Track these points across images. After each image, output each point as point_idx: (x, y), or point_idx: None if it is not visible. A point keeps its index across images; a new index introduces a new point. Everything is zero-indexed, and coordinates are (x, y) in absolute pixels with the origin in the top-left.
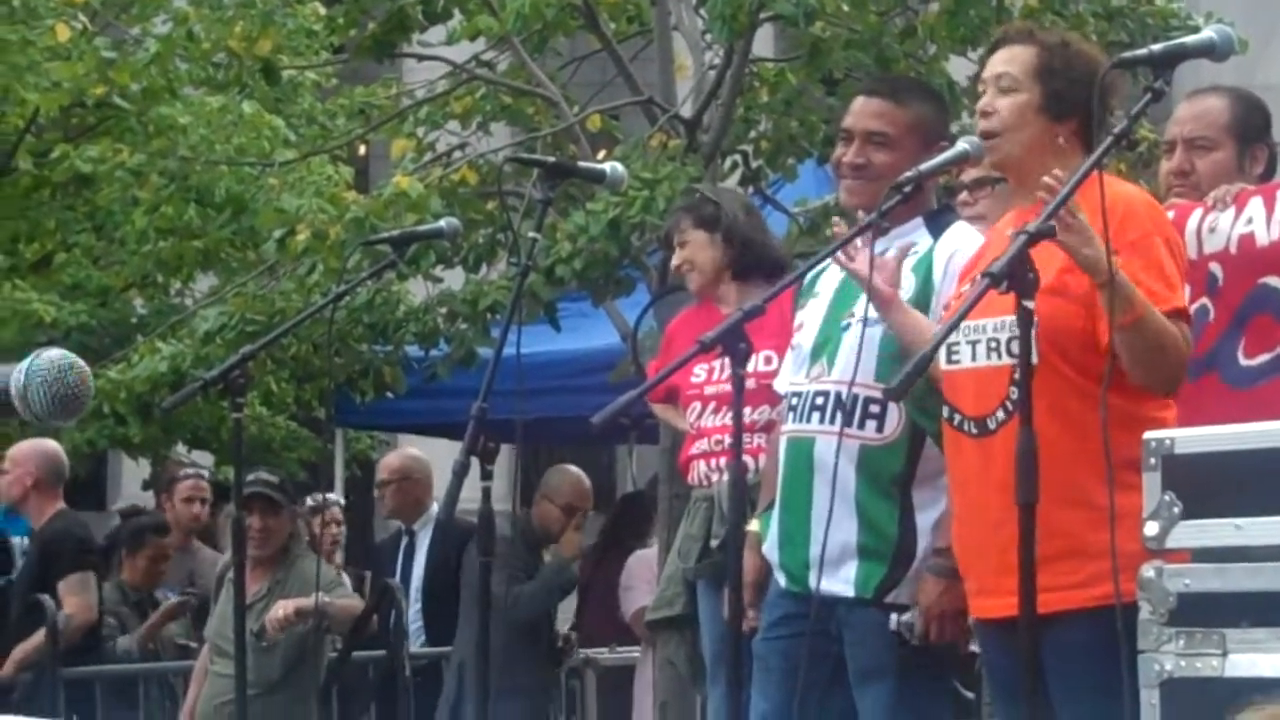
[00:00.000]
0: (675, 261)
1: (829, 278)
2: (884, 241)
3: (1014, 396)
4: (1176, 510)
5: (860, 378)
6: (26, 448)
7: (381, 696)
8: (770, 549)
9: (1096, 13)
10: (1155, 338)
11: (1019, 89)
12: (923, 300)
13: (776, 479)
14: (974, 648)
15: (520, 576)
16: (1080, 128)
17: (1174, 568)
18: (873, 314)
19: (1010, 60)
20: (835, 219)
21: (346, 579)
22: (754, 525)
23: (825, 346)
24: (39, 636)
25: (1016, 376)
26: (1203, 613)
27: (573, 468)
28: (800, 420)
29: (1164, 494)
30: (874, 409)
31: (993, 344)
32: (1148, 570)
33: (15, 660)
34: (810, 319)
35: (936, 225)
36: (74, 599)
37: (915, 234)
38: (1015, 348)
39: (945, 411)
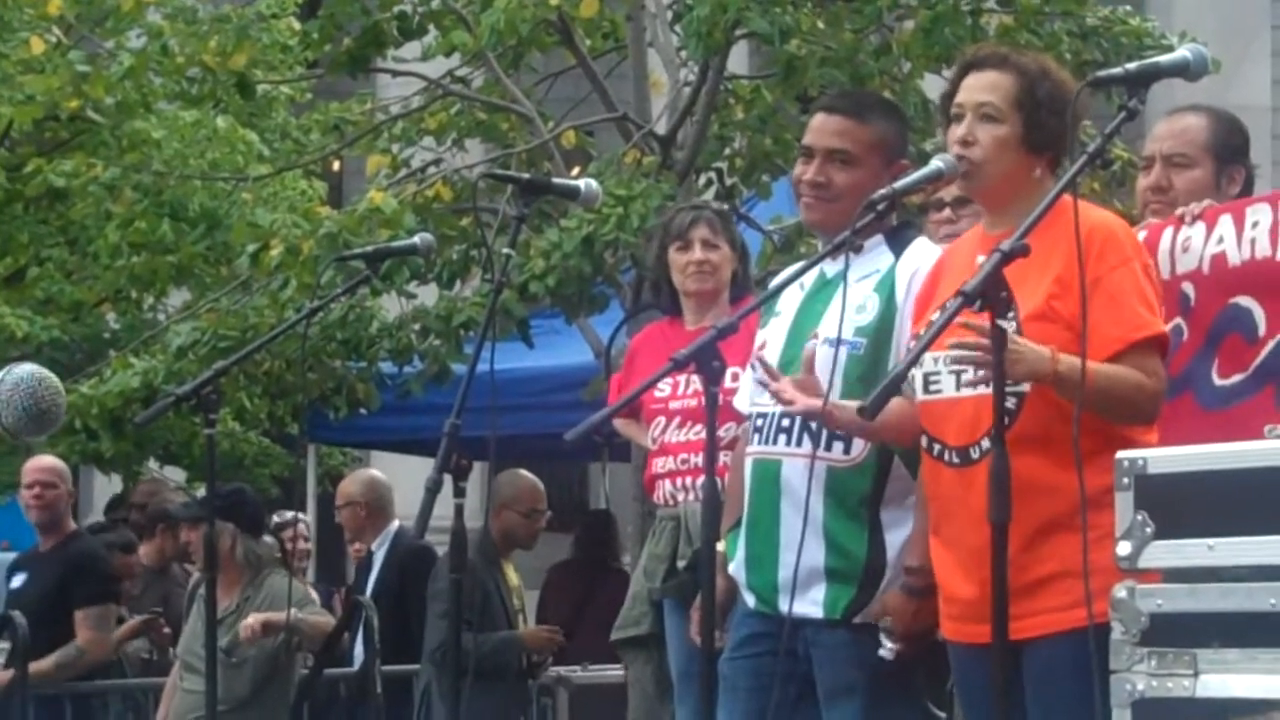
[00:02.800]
0: (695, 256)
1: (791, 296)
2: (843, 259)
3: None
4: (1149, 530)
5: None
6: None
7: (352, 713)
8: (737, 569)
9: (1071, 31)
10: (1119, 399)
11: (1000, 119)
12: (887, 320)
13: (741, 498)
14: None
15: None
16: (1055, 159)
17: (1146, 588)
18: (837, 334)
19: (992, 88)
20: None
21: (315, 595)
22: (720, 546)
23: (790, 367)
24: (49, 661)
25: (1006, 405)
26: (1175, 633)
27: (524, 472)
28: (766, 442)
29: (1136, 514)
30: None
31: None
32: (1120, 590)
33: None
34: (773, 338)
35: (897, 243)
36: (90, 633)
37: (876, 251)
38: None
39: (924, 441)
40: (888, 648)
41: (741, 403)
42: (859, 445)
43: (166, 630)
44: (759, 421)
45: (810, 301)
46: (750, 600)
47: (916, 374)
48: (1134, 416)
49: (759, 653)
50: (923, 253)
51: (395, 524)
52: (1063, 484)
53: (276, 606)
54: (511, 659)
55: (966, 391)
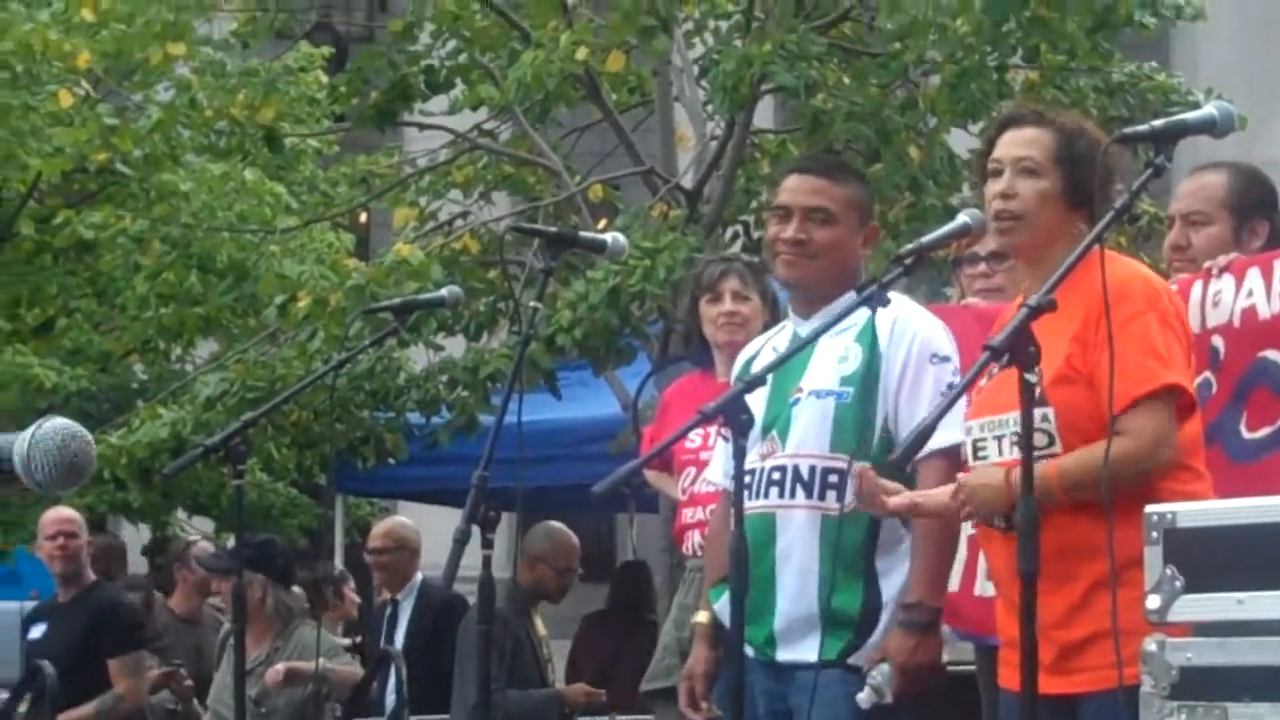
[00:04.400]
0: (725, 308)
1: (765, 358)
2: (818, 318)
3: None
4: (1178, 584)
5: (816, 449)
6: None
7: None
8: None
9: (1097, 87)
10: (1099, 481)
11: (1041, 173)
12: (871, 367)
13: (724, 555)
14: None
15: (506, 648)
16: (1091, 215)
17: (1176, 641)
18: (823, 386)
19: (1032, 143)
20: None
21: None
22: (701, 616)
23: (775, 423)
24: (88, 709)
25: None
26: (1205, 686)
27: (560, 526)
28: (757, 496)
29: (1165, 567)
30: (833, 479)
31: (1015, 438)
32: (1150, 644)
33: None
34: (753, 400)
35: (870, 300)
36: (128, 681)
37: (848, 307)
38: (1038, 439)
39: None
40: (866, 695)
41: (714, 474)
42: (851, 494)
43: (189, 683)
44: (746, 479)
45: (784, 363)
46: (750, 651)
47: (967, 441)
48: (1132, 481)
49: (768, 711)
50: (900, 302)
51: (419, 575)
52: (1114, 541)
53: (306, 657)
54: (551, 716)
55: (1011, 455)
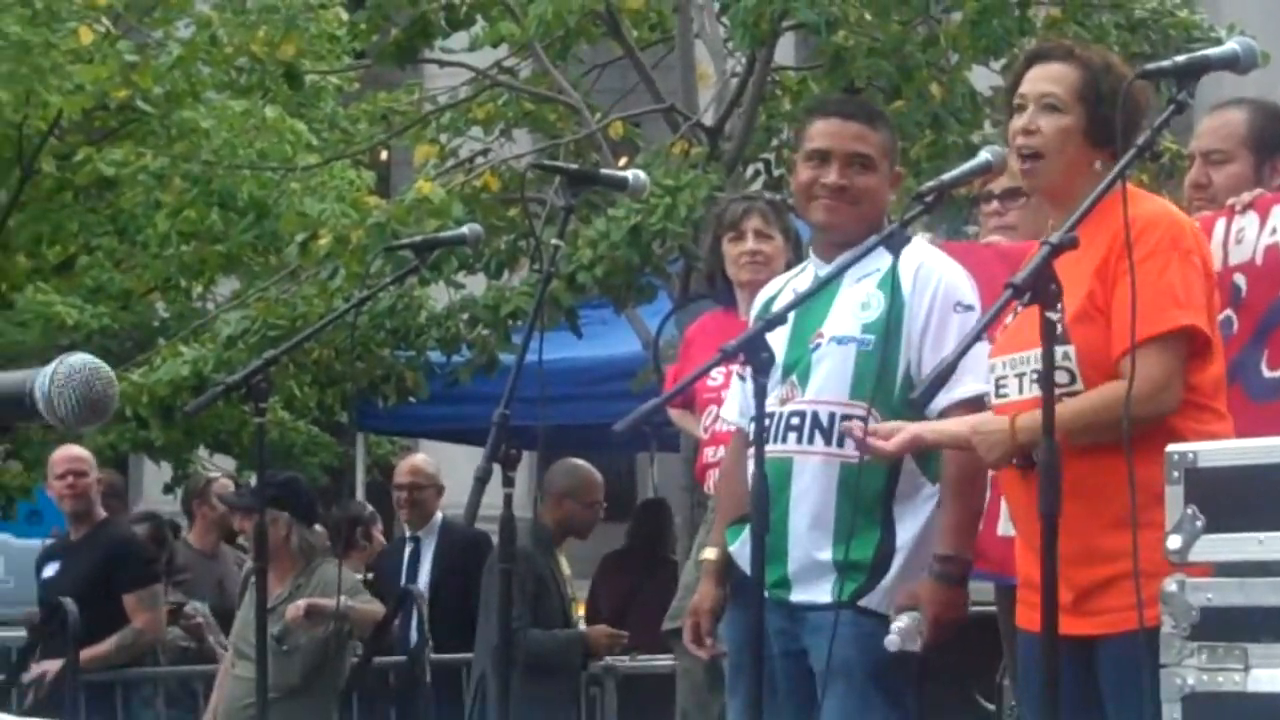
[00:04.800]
0: (748, 247)
1: (785, 299)
2: (837, 262)
3: None
4: (1199, 524)
5: (835, 396)
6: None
7: (402, 702)
8: (747, 566)
9: (1119, 24)
10: (1105, 423)
11: (1064, 110)
12: (894, 315)
13: (741, 497)
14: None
15: (529, 588)
16: (1116, 154)
17: (1196, 581)
18: (845, 332)
19: (1056, 79)
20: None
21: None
22: (709, 553)
23: (795, 367)
24: (109, 644)
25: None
26: (1225, 627)
27: (582, 463)
28: (775, 440)
29: (1187, 507)
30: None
31: (1035, 375)
32: (1170, 584)
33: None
34: (773, 340)
35: (892, 244)
36: (146, 614)
37: (871, 252)
38: (1060, 377)
39: None
40: (893, 637)
41: (730, 413)
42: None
43: (197, 620)
44: (765, 421)
45: (807, 304)
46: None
47: (990, 379)
48: (1140, 422)
49: (782, 651)
50: (923, 249)
51: (440, 513)
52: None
53: (328, 595)
54: (574, 658)
55: (1031, 393)
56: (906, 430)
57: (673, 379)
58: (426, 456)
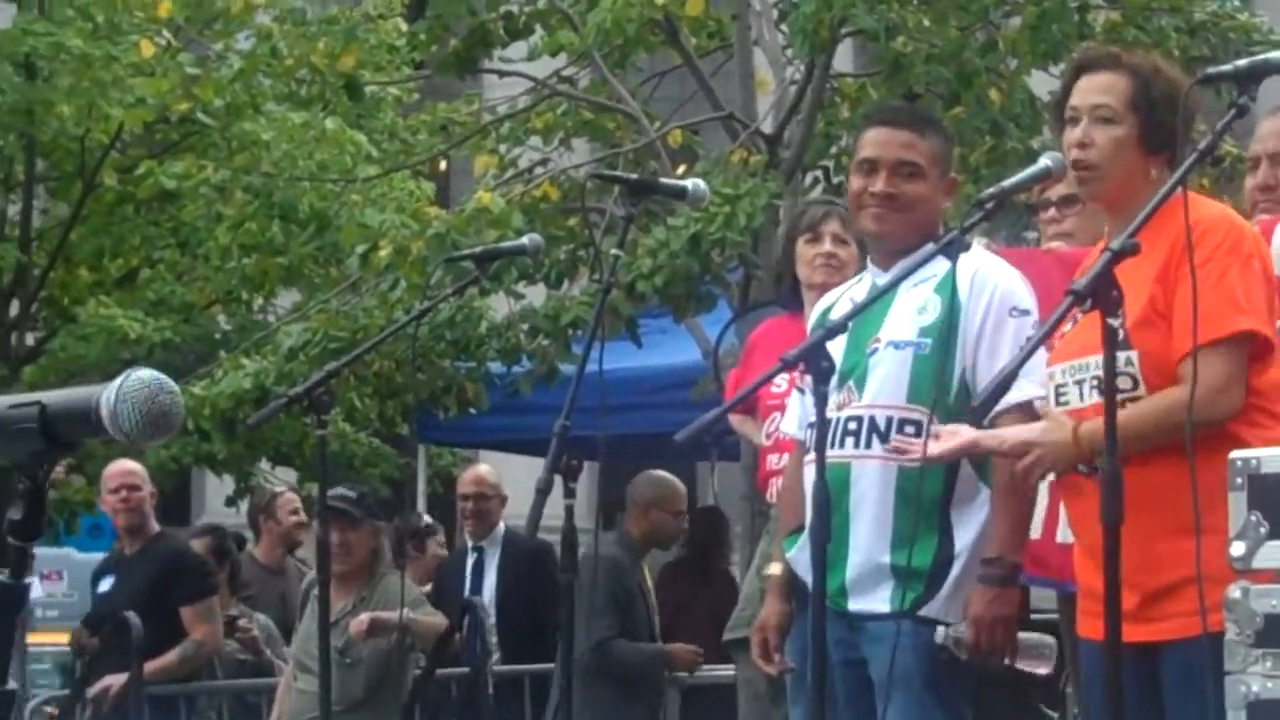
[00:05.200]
0: (824, 249)
1: (842, 306)
2: (896, 269)
3: None
4: (1263, 530)
5: (892, 400)
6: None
7: (465, 714)
8: (805, 572)
9: (1179, 27)
10: (1167, 428)
11: (1117, 120)
12: (951, 319)
13: (800, 505)
14: (1023, 664)
15: (620, 598)
16: (1172, 158)
17: (1261, 588)
18: (902, 337)
19: (1107, 89)
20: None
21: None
22: (774, 568)
23: (852, 373)
24: (171, 656)
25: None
26: None
27: (660, 472)
28: (833, 446)
29: (1250, 514)
30: (909, 430)
31: (1095, 382)
32: (1234, 591)
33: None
34: (831, 348)
35: (949, 251)
36: (205, 626)
37: (930, 260)
38: (1122, 383)
39: None
40: (944, 635)
41: (789, 425)
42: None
43: (254, 632)
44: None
45: (865, 311)
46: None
47: (1050, 386)
48: (1199, 427)
49: (842, 660)
50: (980, 255)
51: (503, 524)
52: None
53: (391, 607)
54: (658, 673)
55: (1092, 400)
56: (962, 435)
57: (734, 384)
58: (489, 467)
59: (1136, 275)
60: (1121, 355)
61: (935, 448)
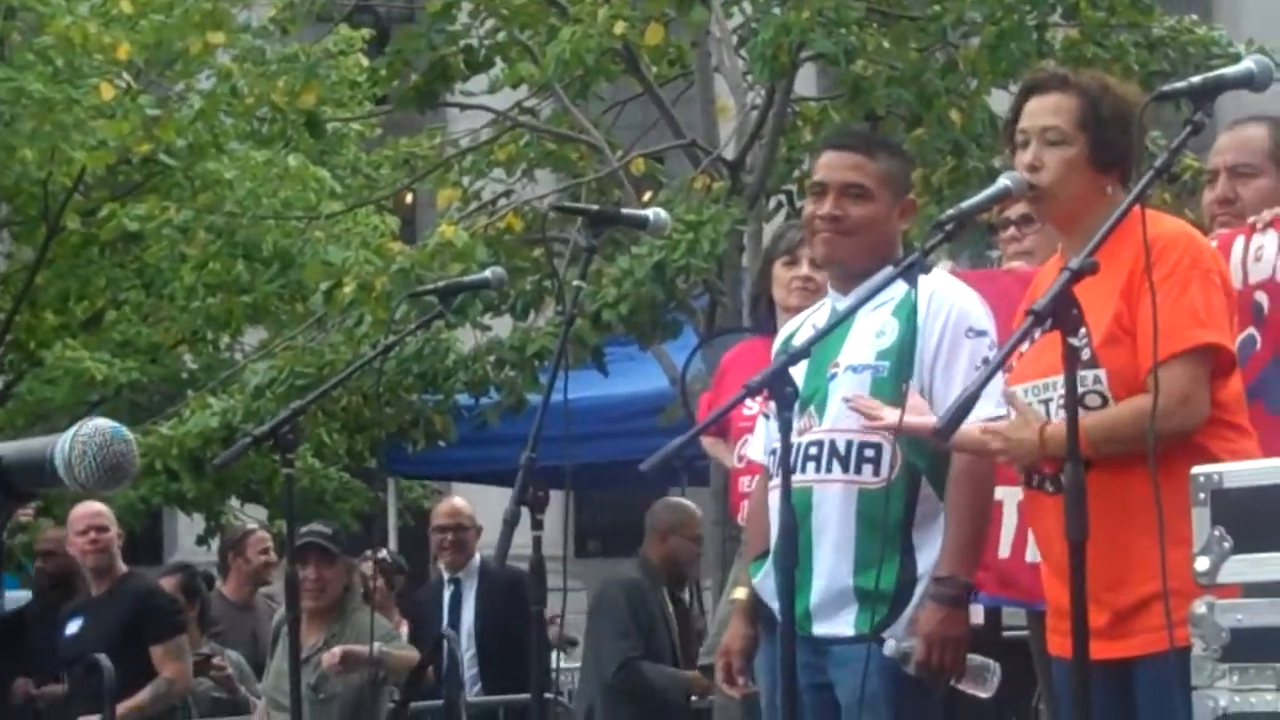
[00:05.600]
0: (801, 272)
1: (804, 332)
2: (856, 293)
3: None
4: (1227, 545)
5: (853, 424)
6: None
7: None
8: (770, 598)
9: (1138, 43)
10: (1128, 437)
11: (1067, 141)
12: (908, 341)
13: (765, 530)
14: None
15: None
16: (1123, 173)
17: (1226, 603)
18: (860, 360)
19: (1055, 110)
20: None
21: (404, 631)
22: (739, 593)
23: (813, 398)
24: (143, 695)
25: None
26: (1256, 648)
27: (676, 499)
28: (795, 472)
29: (1214, 529)
30: (869, 453)
31: (1060, 401)
32: (1199, 606)
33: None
34: (793, 374)
35: (908, 274)
36: (175, 664)
37: (890, 283)
38: (1089, 400)
39: (1022, 473)
40: (893, 648)
41: (755, 451)
42: (887, 467)
43: (228, 671)
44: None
45: (825, 336)
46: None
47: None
48: (1159, 439)
49: (808, 684)
50: (937, 276)
51: (479, 555)
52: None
53: (363, 641)
54: (680, 698)
55: (1058, 419)
56: (927, 421)
57: (706, 408)
58: (460, 499)
59: (1099, 293)
60: (1089, 373)
61: (907, 418)
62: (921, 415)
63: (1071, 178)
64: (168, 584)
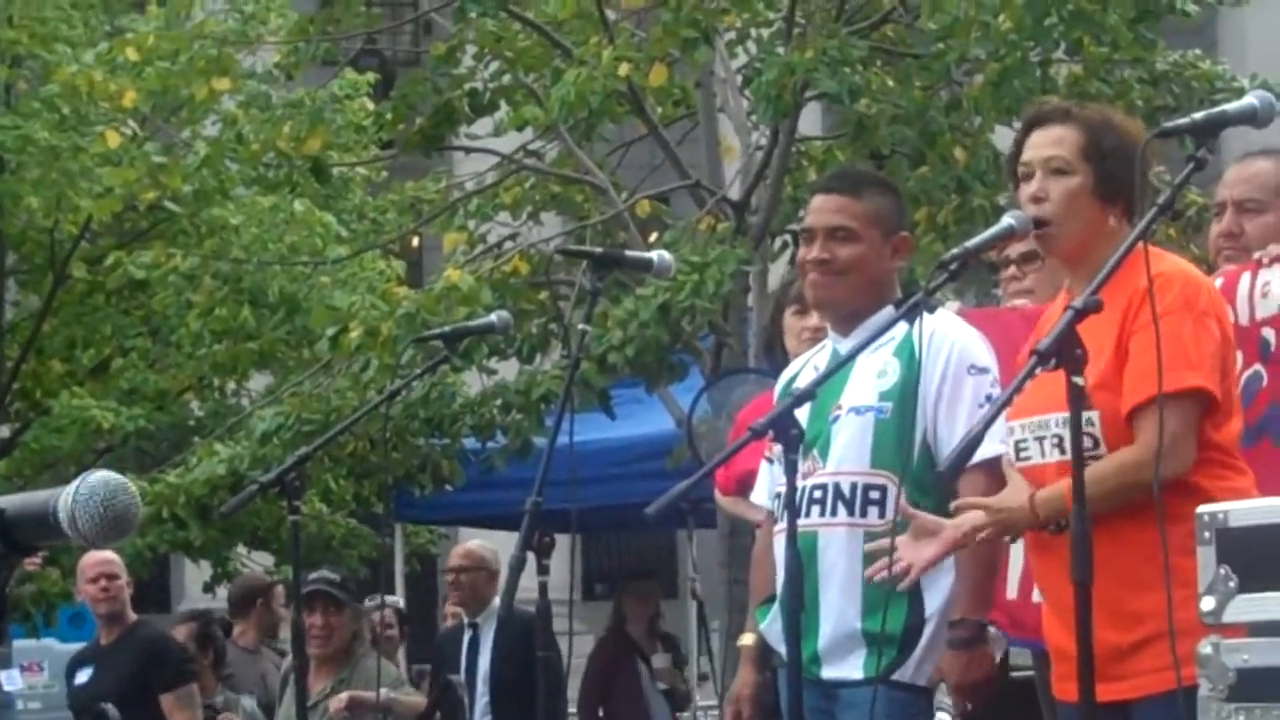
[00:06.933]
0: (812, 323)
1: (806, 374)
2: (856, 334)
3: None
4: (1232, 584)
5: (856, 466)
6: None
7: None
8: (777, 642)
9: (1142, 78)
10: (1119, 487)
11: (1070, 172)
12: (909, 381)
13: (770, 575)
14: None
15: None
16: (1128, 206)
17: (1232, 643)
18: (862, 402)
19: (1058, 142)
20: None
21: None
22: (746, 639)
23: (816, 441)
24: None
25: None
26: (1263, 688)
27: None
28: (800, 516)
29: (1219, 568)
30: (874, 495)
31: (1055, 440)
32: (1205, 646)
33: None
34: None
35: (909, 314)
36: (185, 713)
37: (887, 322)
38: (1084, 443)
39: None
40: (941, 717)
41: (759, 496)
42: (892, 509)
43: None
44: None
45: (828, 378)
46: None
47: (1009, 442)
48: (1140, 489)
49: None
50: (938, 315)
51: (497, 599)
52: (1153, 543)
53: (371, 687)
54: None
55: (1054, 457)
56: (924, 551)
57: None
58: (481, 542)
59: (1095, 334)
60: (1082, 415)
61: (914, 567)
62: (919, 550)
63: (1075, 208)
64: (182, 631)
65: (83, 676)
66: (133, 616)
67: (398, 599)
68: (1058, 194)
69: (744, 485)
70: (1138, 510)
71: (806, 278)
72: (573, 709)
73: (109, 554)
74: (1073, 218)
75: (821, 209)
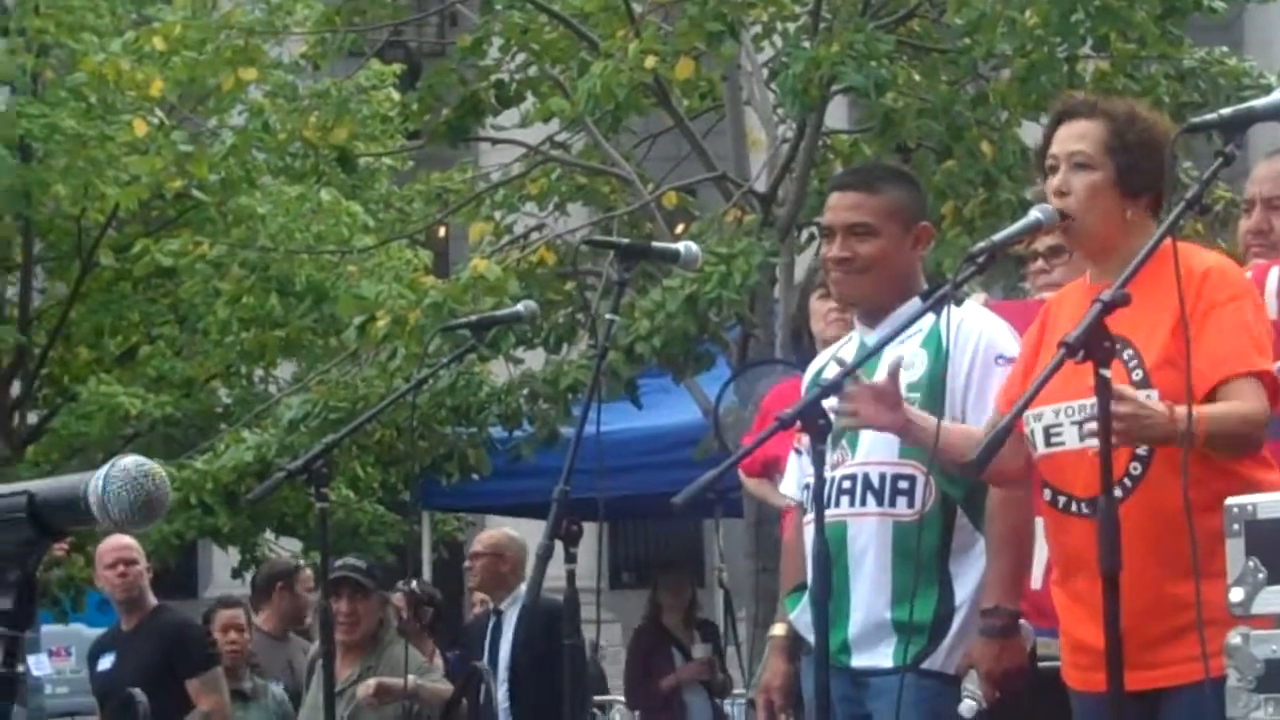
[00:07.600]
0: (836, 305)
1: (833, 366)
2: (883, 327)
3: (1134, 473)
4: (1261, 576)
5: (885, 456)
6: None
7: None
8: (807, 631)
9: (1168, 74)
10: (1229, 435)
11: (1093, 166)
12: (937, 372)
13: (801, 563)
14: None
15: None
16: (1152, 201)
17: (1261, 634)
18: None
19: (1082, 136)
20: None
21: (440, 663)
22: (777, 629)
23: (844, 432)
24: None
25: (1138, 452)
26: None
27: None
28: (829, 506)
29: (1248, 560)
30: (903, 485)
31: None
32: (1234, 637)
33: None
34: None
35: (936, 306)
36: (212, 697)
37: (914, 313)
38: None
39: (1047, 494)
40: (968, 704)
41: (787, 487)
42: (921, 499)
43: None
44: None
45: (856, 369)
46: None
47: (1036, 427)
48: (1243, 448)
49: (853, 716)
50: (966, 307)
51: (522, 586)
52: (1198, 528)
53: (398, 674)
54: None
55: (1089, 443)
56: (890, 416)
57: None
58: (509, 530)
59: (1147, 318)
60: (1141, 394)
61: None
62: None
63: (1097, 201)
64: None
65: (105, 663)
66: (153, 601)
67: (425, 583)
68: (1080, 188)
69: (769, 468)
70: (1199, 493)
71: (829, 276)
72: (599, 696)
73: (126, 539)
74: (1094, 211)
75: (838, 206)
